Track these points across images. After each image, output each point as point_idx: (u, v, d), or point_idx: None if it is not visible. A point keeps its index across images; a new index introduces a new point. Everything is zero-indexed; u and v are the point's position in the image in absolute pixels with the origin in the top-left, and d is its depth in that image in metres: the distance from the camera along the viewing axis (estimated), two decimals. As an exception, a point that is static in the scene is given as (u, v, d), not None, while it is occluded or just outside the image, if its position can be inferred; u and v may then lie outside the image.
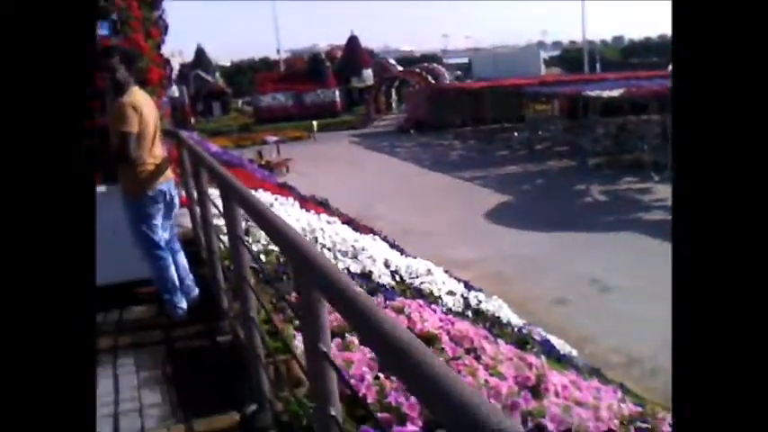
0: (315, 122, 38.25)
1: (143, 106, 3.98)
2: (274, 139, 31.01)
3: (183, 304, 4.29)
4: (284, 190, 12.09)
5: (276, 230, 1.75)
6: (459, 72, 59.14)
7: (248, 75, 53.69)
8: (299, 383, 2.70)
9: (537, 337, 5.21)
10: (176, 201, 4.44)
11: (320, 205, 12.50)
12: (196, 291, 4.43)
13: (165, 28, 5.66)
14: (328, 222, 7.63)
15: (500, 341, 4.05)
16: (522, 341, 4.80)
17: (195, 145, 4.41)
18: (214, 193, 3.83)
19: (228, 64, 61.38)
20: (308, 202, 11.49)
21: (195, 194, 4.58)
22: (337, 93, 43.89)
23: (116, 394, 3.32)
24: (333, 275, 1.30)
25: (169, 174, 4.31)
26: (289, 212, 7.11)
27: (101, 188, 4.48)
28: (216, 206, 4.23)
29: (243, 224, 2.65)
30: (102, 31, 4.29)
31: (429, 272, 6.41)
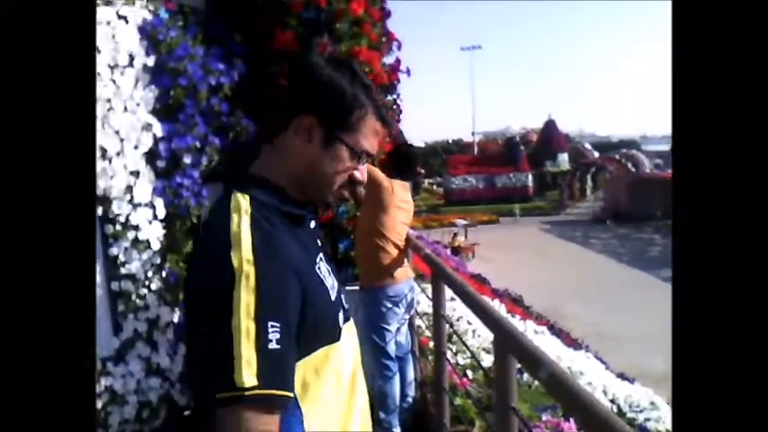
0: (517, 207, 38.14)
1: (399, 193, 3.79)
2: (463, 222, 31.08)
3: (398, 430, 3.85)
4: (480, 285, 11.77)
5: None
6: (659, 160, 56.16)
7: (441, 156, 54.85)
8: None
9: None
10: (415, 302, 4.06)
11: (515, 303, 12.02)
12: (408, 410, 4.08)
13: (399, 113, 5.26)
14: (536, 332, 7.15)
15: None
16: None
17: (424, 247, 4.01)
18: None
19: (423, 145, 63.34)
20: (502, 298, 11.09)
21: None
22: (530, 177, 43.35)
23: None
24: None
25: (410, 271, 3.96)
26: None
27: None
28: (457, 335, 3.78)
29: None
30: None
31: (653, 405, 5.67)
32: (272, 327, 1.03)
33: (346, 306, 1.30)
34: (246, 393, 0.98)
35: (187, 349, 1.21)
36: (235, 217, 1.11)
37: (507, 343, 2.00)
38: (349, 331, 1.29)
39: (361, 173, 1.26)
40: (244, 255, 1.04)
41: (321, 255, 1.26)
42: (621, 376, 8.51)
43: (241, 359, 0.99)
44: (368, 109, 1.21)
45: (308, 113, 1.18)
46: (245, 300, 1.02)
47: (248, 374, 0.99)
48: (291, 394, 1.07)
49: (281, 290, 1.07)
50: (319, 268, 1.21)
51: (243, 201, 1.14)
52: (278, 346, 1.02)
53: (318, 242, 1.30)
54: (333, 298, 1.22)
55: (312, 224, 1.28)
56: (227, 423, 1.00)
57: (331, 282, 1.23)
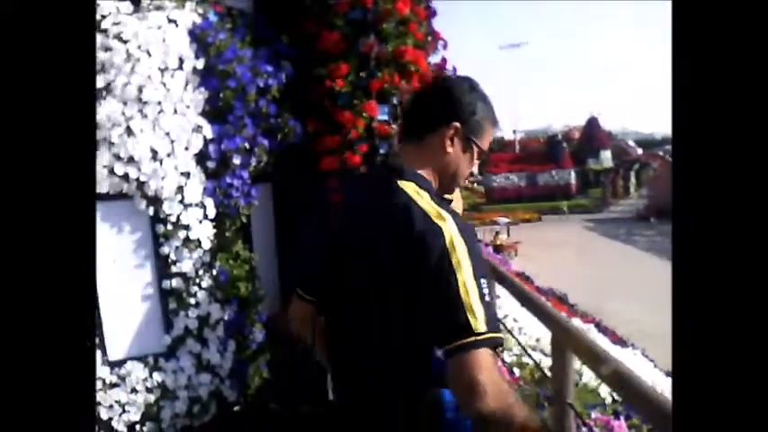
0: (565, 204, 37.71)
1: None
2: (505, 220, 30.83)
3: None
4: (525, 283, 11.66)
5: None
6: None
7: (482, 154, 54.27)
8: None
9: None
10: None
11: (560, 301, 11.89)
12: None
13: None
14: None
15: None
16: None
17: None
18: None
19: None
20: (547, 296, 10.98)
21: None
22: (573, 174, 42.74)
23: None
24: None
25: None
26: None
27: None
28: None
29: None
30: (382, 116, 4.15)
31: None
32: (484, 283, 1.31)
33: None
34: (481, 338, 1.25)
35: (384, 314, 1.44)
36: (417, 198, 1.40)
37: (566, 340, 1.99)
38: None
39: (476, 167, 1.60)
40: (450, 228, 1.32)
41: None
42: (669, 375, 8.35)
43: (474, 311, 1.26)
44: (490, 120, 1.56)
45: (455, 123, 1.50)
46: (463, 263, 1.29)
47: (481, 323, 1.26)
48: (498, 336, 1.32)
49: (480, 252, 1.36)
50: None
51: (413, 186, 1.43)
52: (489, 298, 1.31)
53: None
54: None
55: None
56: (468, 363, 1.24)
57: None
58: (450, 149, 1.51)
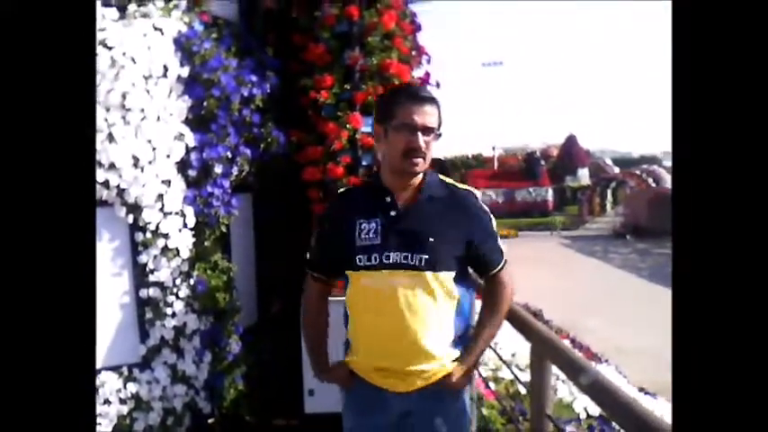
0: (558, 219, 37.94)
1: None
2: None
3: None
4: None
5: None
6: (681, 176, 55.17)
7: (460, 170, 54.58)
8: None
9: None
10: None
11: (535, 317, 11.92)
12: None
13: None
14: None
15: None
16: None
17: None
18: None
19: (442, 159, 62.81)
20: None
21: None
22: (550, 191, 43.05)
23: None
24: None
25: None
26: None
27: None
28: None
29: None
30: (366, 128, 4.15)
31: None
32: (315, 233, 2.11)
33: (395, 260, 1.88)
34: (306, 263, 2.16)
35: None
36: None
37: (545, 351, 1.99)
38: (383, 274, 1.88)
39: (413, 142, 1.86)
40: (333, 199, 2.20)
41: (379, 219, 1.91)
42: (642, 391, 8.40)
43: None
44: (400, 102, 1.88)
45: (376, 126, 1.98)
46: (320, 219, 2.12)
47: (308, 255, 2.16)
48: (315, 274, 2.13)
49: (326, 219, 2.08)
50: (362, 224, 1.91)
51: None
52: (314, 244, 2.11)
53: (393, 212, 1.92)
54: (358, 244, 1.90)
55: (389, 198, 1.94)
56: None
57: (372, 236, 1.90)
58: (377, 145, 2.01)
